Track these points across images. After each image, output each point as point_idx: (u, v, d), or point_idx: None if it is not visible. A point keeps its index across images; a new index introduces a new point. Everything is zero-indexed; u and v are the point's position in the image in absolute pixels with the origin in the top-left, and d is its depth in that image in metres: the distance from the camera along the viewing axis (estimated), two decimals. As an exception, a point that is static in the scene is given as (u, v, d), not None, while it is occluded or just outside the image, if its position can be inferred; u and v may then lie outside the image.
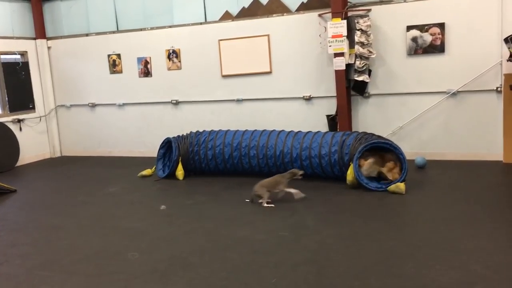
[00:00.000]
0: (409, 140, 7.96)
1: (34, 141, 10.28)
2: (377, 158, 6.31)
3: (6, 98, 9.70)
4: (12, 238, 5.42)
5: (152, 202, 6.47)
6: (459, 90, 7.55)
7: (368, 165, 6.28)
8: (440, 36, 7.50)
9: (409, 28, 7.65)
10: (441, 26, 7.48)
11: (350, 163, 6.40)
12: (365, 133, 6.78)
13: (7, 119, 9.66)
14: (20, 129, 9.93)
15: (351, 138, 6.64)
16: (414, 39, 7.66)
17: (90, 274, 4.31)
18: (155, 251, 4.73)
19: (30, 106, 10.22)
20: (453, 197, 5.92)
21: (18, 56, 10.07)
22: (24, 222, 6.02)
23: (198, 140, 7.64)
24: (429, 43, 7.59)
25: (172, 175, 7.68)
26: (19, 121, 9.91)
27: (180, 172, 7.63)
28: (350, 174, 6.39)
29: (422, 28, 7.58)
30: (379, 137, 6.65)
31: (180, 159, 7.59)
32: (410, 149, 7.89)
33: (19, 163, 9.76)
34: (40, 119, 10.42)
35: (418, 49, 7.67)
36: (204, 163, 7.59)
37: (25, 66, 10.09)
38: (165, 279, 4.11)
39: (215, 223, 5.49)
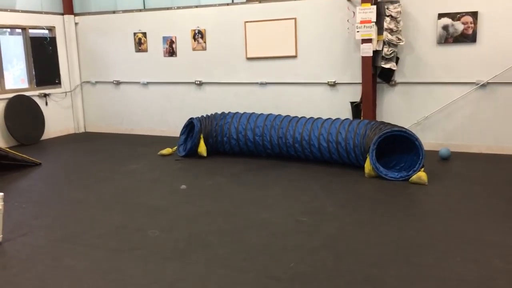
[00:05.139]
0: (434, 131, 7.84)
1: (59, 116, 10.44)
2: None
3: (33, 73, 9.84)
4: (36, 210, 5.55)
5: (173, 181, 6.53)
6: (489, 81, 7.36)
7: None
8: (472, 25, 7.30)
9: (440, 16, 7.47)
10: (474, 15, 7.27)
11: (367, 155, 6.33)
12: (381, 123, 6.72)
13: (33, 93, 9.81)
14: (46, 103, 10.08)
15: (368, 127, 6.61)
16: (445, 28, 7.47)
17: (111, 248, 4.38)
18: (174, 230, 4.79)
19: (56, 81, 10.35)
20: (476, 189, 5.82)
21: (46, 31, 10.19)
22: (48, 195, 6.15)
23: (223, 119, 7.72)
24: (460, 32, 7.39)
25: (193, 155, 7.72)
26: (45, 95, 10.06)
27: (202, 148, 7.65)
28: (367, 166, 6.33)
29: (454, 16, 7.39)
30: (394, 125, 6.53)
31: (201, 135, 7.63)
32: (435, 140, 7.78)
33: (44, 137, 9.94)
34: (66, 94, 10.56)
35: (449, 38, 7.48)
36: (226, 141, 7.65)
37: (52, 41, 10.19)
38: (184, 257, 4.16)
39: (235, 204, 5.52)
